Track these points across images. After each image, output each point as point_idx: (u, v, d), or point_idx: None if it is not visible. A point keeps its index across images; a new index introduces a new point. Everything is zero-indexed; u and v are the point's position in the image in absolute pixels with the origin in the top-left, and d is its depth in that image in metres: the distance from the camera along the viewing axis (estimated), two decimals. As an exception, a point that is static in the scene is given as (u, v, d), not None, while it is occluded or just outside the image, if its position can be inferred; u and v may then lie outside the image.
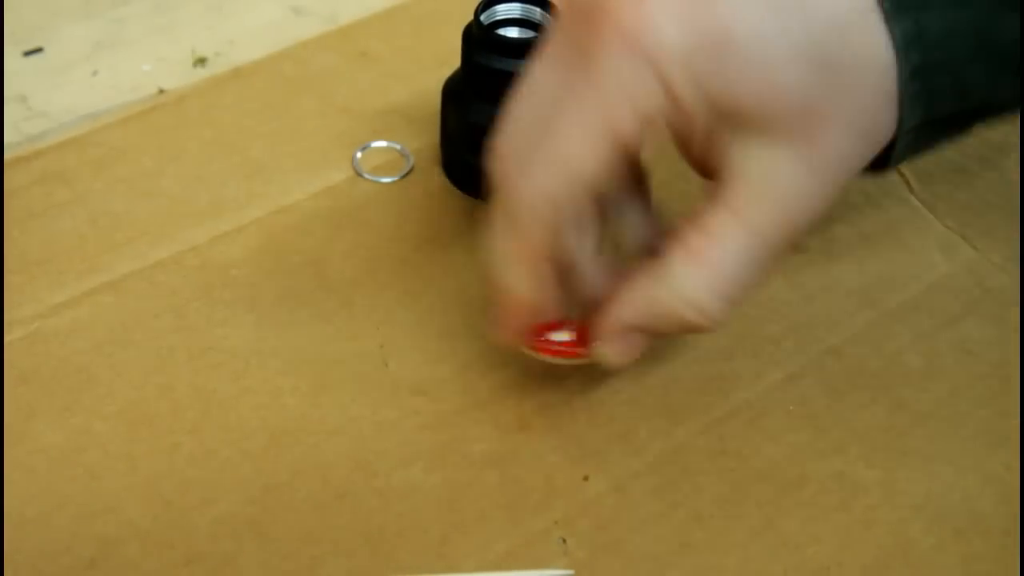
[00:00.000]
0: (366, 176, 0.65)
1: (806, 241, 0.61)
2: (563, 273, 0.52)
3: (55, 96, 0.68)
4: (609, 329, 0.52)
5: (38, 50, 0.70)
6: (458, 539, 0.51)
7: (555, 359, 0.54)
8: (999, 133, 0.66)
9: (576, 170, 0.48)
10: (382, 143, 0.67)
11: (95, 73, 0.70)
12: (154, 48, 0.71)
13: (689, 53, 0.47)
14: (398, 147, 0.66)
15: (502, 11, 0.61)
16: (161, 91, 0.69)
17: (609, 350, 0.53)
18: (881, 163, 0.52)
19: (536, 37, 0.60)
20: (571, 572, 0.51)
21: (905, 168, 0.65)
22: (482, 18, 0.60)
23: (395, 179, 0.65)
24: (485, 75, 0.60)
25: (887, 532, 0.52)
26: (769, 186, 0.49)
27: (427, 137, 0.66)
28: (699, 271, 0.50)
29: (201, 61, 0.70)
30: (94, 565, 0.50)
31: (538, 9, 0.61)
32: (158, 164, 0.65)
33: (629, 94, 0.47)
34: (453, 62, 0.63)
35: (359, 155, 0.66)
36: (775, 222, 0.49)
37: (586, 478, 0.54)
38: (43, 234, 0.61)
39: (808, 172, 0.49)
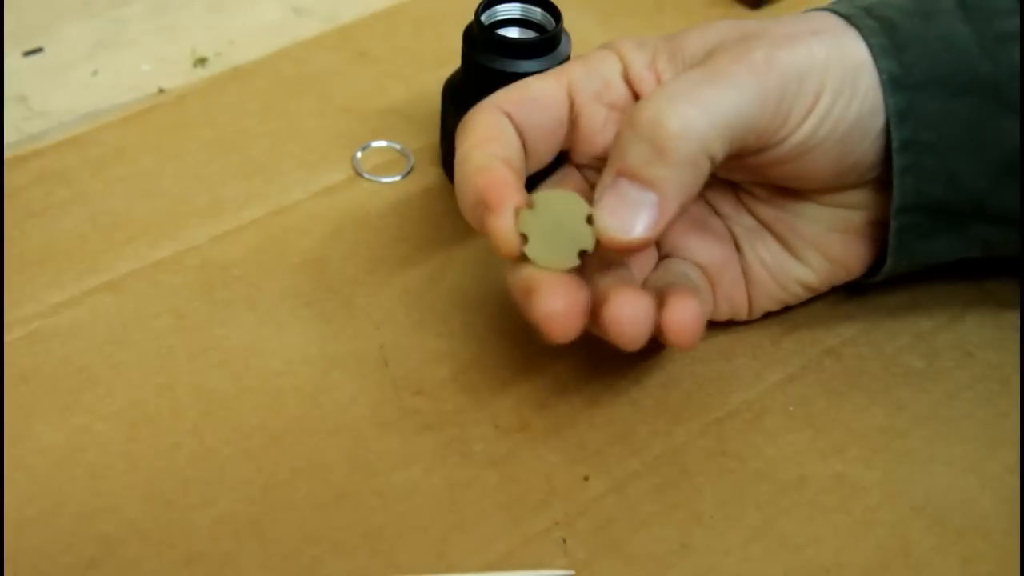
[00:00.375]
0: (366, 176, 0.65)
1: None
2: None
3: (55, 96, 0.68)
4: (601, 186, 0.51)
5: (38, 50, 0.70)
6: (458, 539, 0.51)
7: None
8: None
9: (532, 91, 0.53)
10: (382, 143, 0.67)
11: (95, 73, 0.70)
12: (154, 48, 0.71)
13: None
14: (398, 147, 0.66)
15: (502, 11, 0.61)
16: (161, 91, 0.69)
17: (608, 215, 0.50)
18: (879, 265, 0.56)
19: (536, 37, 0.60)
20: (571, 572, 0.51)
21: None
22: (483, 18, 0.60)
23: (395, 179, 0.65)
24: (485, 75, 0.60)
25: (886, 533, 0.53)
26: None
27: (427, 137, 0.67)
28: (664, 89, 0.50)
29: (201, 61, 0.70)
30: (94, 565, 0.50)
31: (538, 9, 0.61)
32: (158, 164, 0.65)
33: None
34: (453, 62, 0.63)
35: (359, 155, 0.66)
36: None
37: (586, 478, 0.54)
38: (43, 234, 0.61)
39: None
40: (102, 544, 0.50)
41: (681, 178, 0.49)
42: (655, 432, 0.55)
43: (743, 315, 0.58)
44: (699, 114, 0.49)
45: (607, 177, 0.50)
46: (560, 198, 0.51)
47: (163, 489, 0.52)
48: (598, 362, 0.57)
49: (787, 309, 0.59)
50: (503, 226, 0.50)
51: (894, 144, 0.52)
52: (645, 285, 0.56)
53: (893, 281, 0.58)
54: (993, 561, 0.52)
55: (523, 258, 0.51)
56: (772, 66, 0.50)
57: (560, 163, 0.57)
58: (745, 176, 0.56)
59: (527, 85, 0.54)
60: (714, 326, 0.58)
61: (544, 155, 0.54)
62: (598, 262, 0.53)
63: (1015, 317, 0.60)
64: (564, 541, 0.52)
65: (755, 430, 0.56)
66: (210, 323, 0.58)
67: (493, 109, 0.53)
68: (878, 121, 0.52)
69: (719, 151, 0.50)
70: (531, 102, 0.53)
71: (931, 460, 0.55)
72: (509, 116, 0.53)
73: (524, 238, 0.51)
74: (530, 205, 0.51)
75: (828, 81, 0.51)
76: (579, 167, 0.56)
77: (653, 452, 0.55)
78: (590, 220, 0.50)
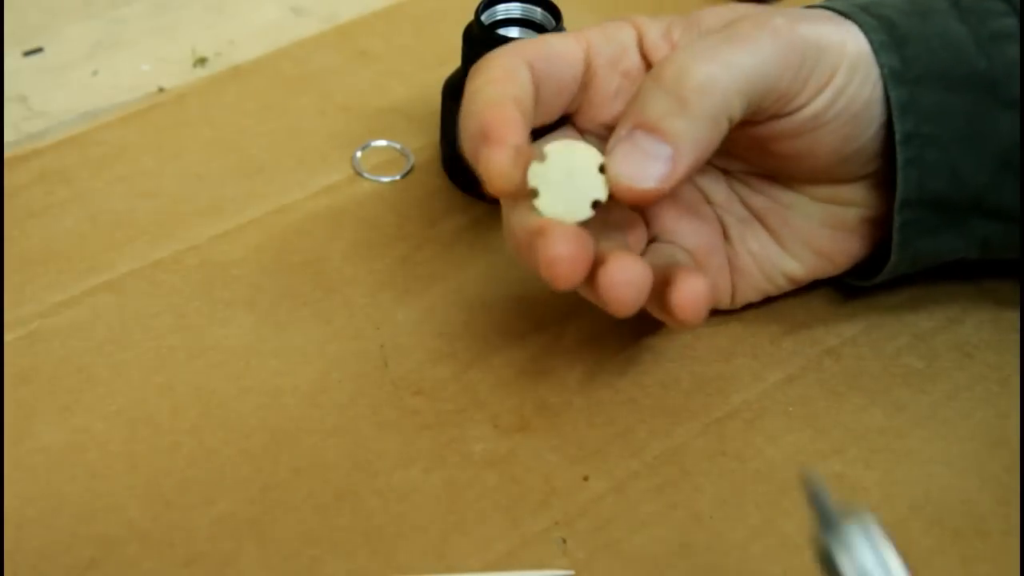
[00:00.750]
0: (366, 175, 0.65)
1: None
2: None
3: (55, 96, 0.68)
4: (615, 138, 0.51)
5: (38, 50, 0.70)
6: (458, 539, 0.52)
7: None
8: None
9: (551, 46, 0.53)
10: (382, 142, 0.67)
11: (95, 73, 0.70)
12: (154, 48, 0.71)
13: None
14: (398, 146, 0.66)
15: (502, 11, 0.61)
16: (161, 90, 0.69)
17: (621, 163, 0.50)
18: (877, 266, 0.57)
19: (536, 38, 0.60)
20: (571, 572, 0.51)
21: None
22: (483, 18, 0.60)
23: (395, 178, 0.65)
24: (485, 75, 0.60)
25: (886, 533, 0.52)
26: None
27: (427, 136, 0.67)
28: (688, 48, 0.51)
29: (201, 61, 0.70)
30: (94, 565, 0.50)
31: (538, 9, 0.61)
32: (158, 163, 0.65)
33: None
34: (453, 61, 0.63)
35: (359, 154, 0.66)
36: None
37: (586, 478, 0.54)
38: (43, 233, 0.61)
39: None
40: (102, 544, 0.50)
41: (698, 133, 0.49)
42: (655, 432, 0.55)
43: (725, 304, 0.58)
44: (722, 70, 0.49)
45: (622, 130, 0.50)
46: (571, 148, 0.50)
47: (163, 489, 0.52)
48: (598, 362, 0.57)
49: (787, 309, 0.59)
50: (499, 159, 0.49)
51: (897, 137, 0.53)
52: None
53: (892, 282, 0.58)
54: (992, 561, 0.52)
55: (533, 211, 0.50)
56: (793, 32, 0.51)
57: (558, 125, 0.56)
58: (750, 154, 0.56)
59: (546, 40, 0.54)
60: (715, 327, 0.58)
61: (554, 110, 0.54)
62: (598, 225, 0.52)
63: (1014, 318, 0.60)
64: (564, 541, 0.52)
65: (755, 430, 0.56)
66: (210, 323, 0.58)
67: (513, 54, 0.53)
68: (881, 112, 0.53)
69: (738, 109, 0.50)
70: (550, 56, 0.53)
71: (930, 460, 0.55)
72: (530, 65, 0.53)
73: (535, 192, 0.50)
74: (540, 157, 0.50)
75: (844, 60, 0.52)
76: (581, 131, 0.56)
77: (653, 452, 0.55)
78: (602, 169, 0.50)
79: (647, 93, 0.50)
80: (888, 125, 0.53)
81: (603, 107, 0.54)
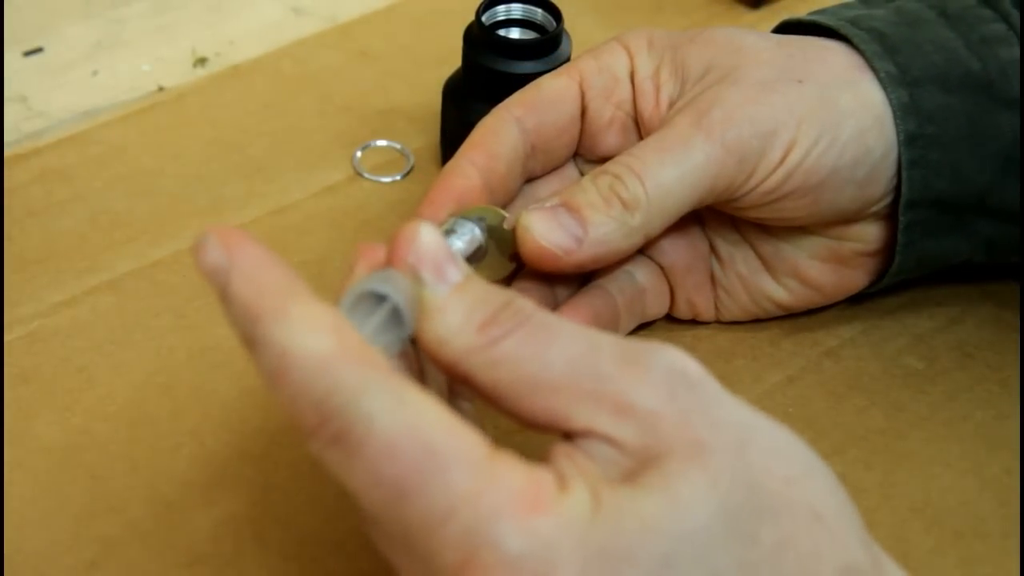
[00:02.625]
0: (366, 175, 0.65)
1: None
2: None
3: (55, 96, 0.68)
4: (540, 203, 0.52)
5: (38, 50, 0.70)
6: (458, 540, 0.51)
7: None
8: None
9: (543, 90, 0.54)
10: (382, 142, 0.67)
11: (95, 73, 0.69)
12: (154, 48, 0.71)
13: None
14: (398, 146, 0.66)
15: (503, 11, 0.61)
16: (161, 88, 0.69)
17: (536, 217, 0.51)
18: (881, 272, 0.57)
19: (537, 38, 0.60)
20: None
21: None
22: (483, 18, 0.60)
23: (395, 178, 0.65)
24: (485, 76, 0.60)
25: (886, 534, 0.52)
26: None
27: (427, 136, 0.66)
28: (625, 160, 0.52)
29: (201, 61, 0.70)
30: (95, 566, 0.50)
31: (539, 10, 0.61)
32: (158, 162, 0.65)
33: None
34: (453, 60, 0.63)
35: (359, 154, 0.66)
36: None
37: (586, 479, 0.54)
38: (43, 232, 0.61)
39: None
40: (103, 546, 0.50)
41: (611, 236, 0.51)
42: (655, 433, 0.55)
43: (707, 318, 0.59)
44: (653, 187, 0.51)
45: (547, 203, 0.51)
46: (471, 212, 0.51)
47: (164, 490, 0.52)
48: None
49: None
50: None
51: (900, 137, 0.53)
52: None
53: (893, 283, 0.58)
54: (992, 563, 0.52)
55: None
56: (731, 126, 0.51)
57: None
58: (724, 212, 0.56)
59: (539, 85, 0.55)
60: (715, 328, 0.58)
61: (560, 152, 0.55)
62: None
63: (1014, 318, 0.60)
64: (564, 542, 0.52)
65: (755, 431, 0.56)
66: (210, 323, 0.58)
67: (500, 113, 0.54)
68: (858, 172, 0.53)
69: (672, 214, 0.52)
70: (543, 102, 0.54)
71: (930, 462, 0.55)
72: (520, 120, 0.53)
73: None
74: (449, 232, 0.51)
75: (801, 135, 0.52)
76: (581, 167, 0.57)
77: (653, 453, 0.55)
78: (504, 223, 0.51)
79: (585, 183, 0.51)
80: (897, 164, 0.53)
81: (597, 137, 0.55)
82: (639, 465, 0.38)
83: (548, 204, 0.51)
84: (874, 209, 0.55)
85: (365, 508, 0.38)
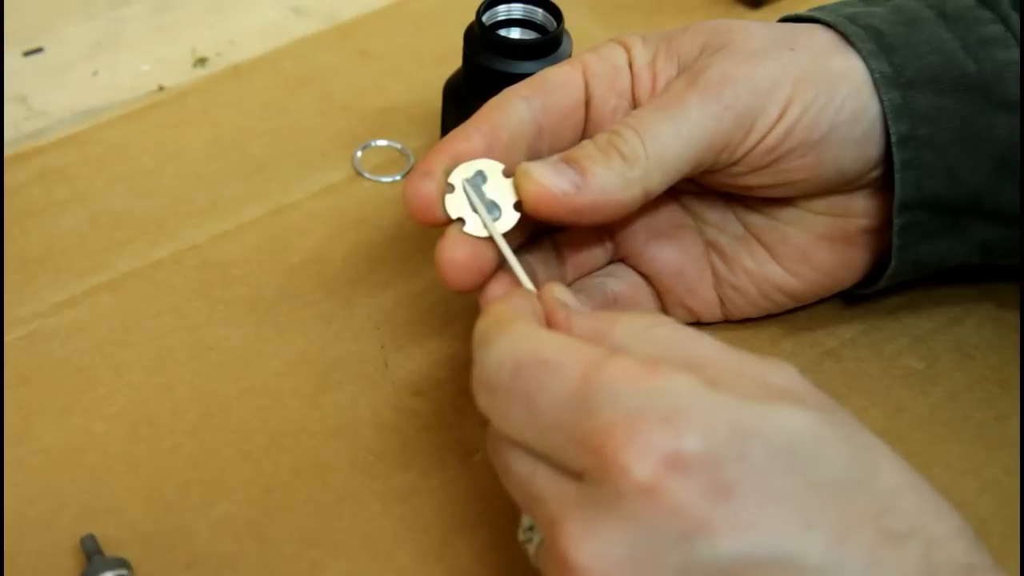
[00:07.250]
0: (366, 175, 0.65)
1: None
2: None
3: (55, 96, 0.68)
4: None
5: (38, 50, 0.70)
6: (458, 541, 0.51)
7: None
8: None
9: (548, 76, 0.54)
10: (382, 142, 0.67)
11: (95, 73, 0.70)
12: (154, 48, 0.71)
13: None
14: (398, 146, 0.66)
15: (503, 11, 0.61)
16: (161, 88, 0.69)
17: (535, 165, 0.51)
18: (877, 273, 0.57)
19: (537, 38, 0.60)
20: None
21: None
22: (484, 18, 0.60)
23: (395, 178, 0.65)
24: (486, 76, 0.60)
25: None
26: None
27: (427, 136, 0.67)
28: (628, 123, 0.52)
29: (201, 61, 0.70)
30: (95, 566, 0.50)
31: (539, 10, 0.61)
32: (158, 162, 0.65)
33: None
34: (453, 60, 0.63)
35: (359, 154, 0.66)
36: None
37: (586, 480, 0.54)
38: (43, 233, 0.61)
39: None
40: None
41: (610, 184, 0.51)
42: (655, 434, 0.55)
43: (709, 319, 0.59)
44: (653, 146, 0.51)
45: (547, 158, 0.51)
46: (471, 165, 0.51)
47: (163, 491, 0.52)
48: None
49: (785, 312, 0.59)
50: (412, 190, 0.51)
51: (893, 139, 0.53)
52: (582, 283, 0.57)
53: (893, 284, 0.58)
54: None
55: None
56: (727, 84, 0.52)
57: None
58: (729, 187, 0.56)
59: (543, 73, 0.55)
60: (715, 329, 0.58)
61: (567, 135, 0.55)
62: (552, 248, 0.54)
63: (1014, 319, 0.60)
64: (564, 543, 0.52)
65: (755, 432, 0.56)
66: (210, 323, 0.58)
67: (507, 94, 0.53)
68: (857, 129, 0.53)
69: (671, 175, 0.51)
70: (548, 86, 0.54)
71: (930, 462, 0.55)
72: (528, 100, 0.53)
73: (461, 220, 0.51)
74: (450, 189, 0.50)
75: (798, 92, 0.52)
76: None
77: (653, 454, 0.55)
78: (507, 175, 0.51)
79: (584, 142, 0.52)
80: (885, 131, 0.53)
81: (602, 126, 0.55)
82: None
83: (546, 159, 0.51)
84: (874, 174, 0.55)
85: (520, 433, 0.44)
